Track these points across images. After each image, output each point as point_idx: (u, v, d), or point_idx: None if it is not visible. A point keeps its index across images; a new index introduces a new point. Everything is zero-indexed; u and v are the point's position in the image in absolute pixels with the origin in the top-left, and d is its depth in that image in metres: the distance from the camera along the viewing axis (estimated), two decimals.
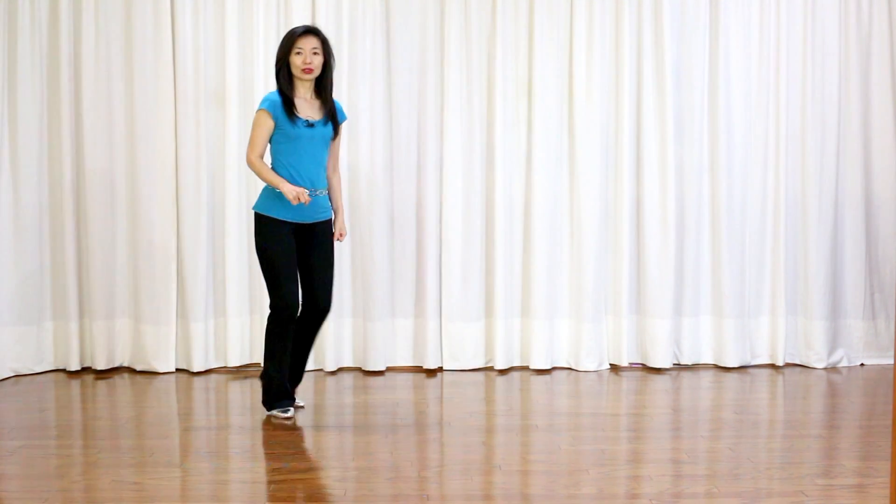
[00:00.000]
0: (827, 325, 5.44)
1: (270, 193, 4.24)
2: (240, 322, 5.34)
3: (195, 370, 5.26)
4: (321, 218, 4.34)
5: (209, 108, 5.28)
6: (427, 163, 5.30)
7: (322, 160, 4.31)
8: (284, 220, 4.23)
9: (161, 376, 5.21)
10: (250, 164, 4.25)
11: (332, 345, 5.29)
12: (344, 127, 4.49)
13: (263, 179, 4.24)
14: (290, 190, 4.13)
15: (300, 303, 4.32)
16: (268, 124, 4.23)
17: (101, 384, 5.08)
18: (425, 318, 5.34)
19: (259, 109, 4.25)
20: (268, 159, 4.34)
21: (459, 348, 5.35)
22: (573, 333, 5.40)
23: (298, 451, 3.89)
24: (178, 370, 5.32)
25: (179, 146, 5.24)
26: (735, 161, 5.41)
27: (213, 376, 5.23)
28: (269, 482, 3.47)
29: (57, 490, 3.38)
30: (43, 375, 5.21)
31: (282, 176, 4.21)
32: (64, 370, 5.28)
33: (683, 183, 5.41)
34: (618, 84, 5.36)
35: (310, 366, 5.31)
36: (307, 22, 5.23)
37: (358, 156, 5.29)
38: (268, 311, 5.25)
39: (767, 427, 4.28)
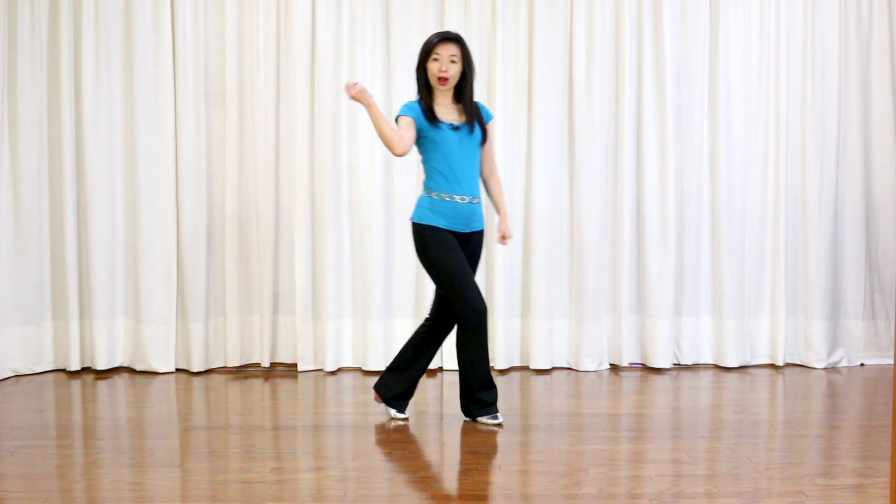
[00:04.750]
0: (827, 325, 5.44)
1: (429, 203, 4.14)
2: (239, 322, 5.34)
3: (195, 370, 5.26)
4: (476, 228, 4.22)
5: (209, 108, 5.28)
6: None
7: (475, 165, 4.20)
8: (446, 228, 4.13)
9: (161, 376, 5.21)
10: (390, 147, 4.04)
11: (331, 345, 5.29)
12: (491, 126, 4.29)
13: (379, 128, 4.02)
14: (351, 92, 3.99)
15: (486, 305, 4.16)
16: (410, 123, 4.10)
17: (101, 384, 5.08)
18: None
19: (397, 116, 4.16)
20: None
21: None
22: (573, 333, 5.40)
23: (298, 451, 3.89)
24: (178, 370, 5.32)
25: (179, 146, 5.24)
26: (735, 161, 5.41)
27: (212, 376, 5.23)
28: (269, 482, 3.47)
29: (57, 490, 3.37)
30: (43, 375, 5.21)
31: (438, 184, 4.12)
32: (64, 370, 5.28)
33: (683, 183, 5.41)
34: (618, 84, 5.36)
35: (309, 366, 5.33)
36: (307, 23, 5.23)
37: (358, 156, 5.29)
38: (268, 310, 5.31)
39: (767, 427, 4.28)
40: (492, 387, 4.25)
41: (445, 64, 4.13)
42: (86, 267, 5.25)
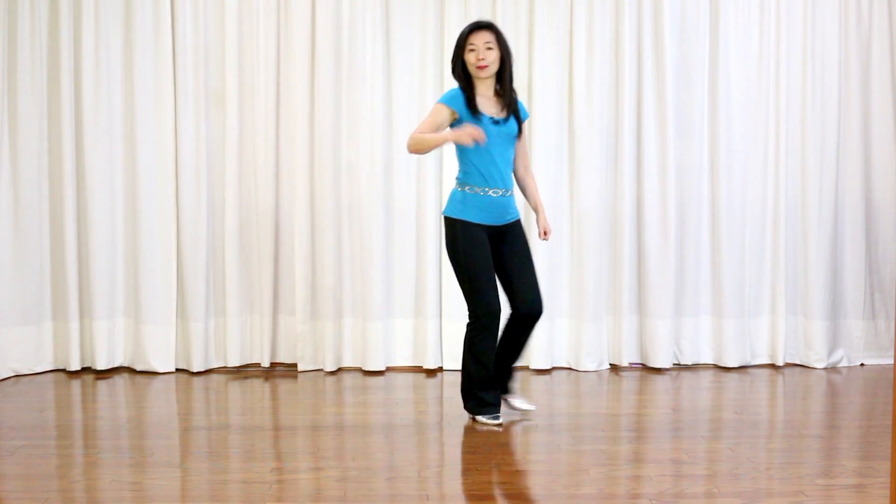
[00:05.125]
0: (827, 325, 5.44)
1: (461, 197, 4.13)
2: (239, 322, 5.34)
3: (195, 370, 5.26)
4: (512, 219, 4.22)
5: (209, 108, 5.28)
6: (427, 163, 5.30)
7: (510, 159, 4.19)
8: (478, 223, 4.12)
9: (161, 376, 5.21)
10: (409, 139, 4.02)
11: (331, 345, 5.29)
12: (525, 125, 4.29)
13: (427, 144, 4.01)
14: (467, 133, 3.90)
15: (501, 308, 4.14)
16: (442, 113, 4.08)
17: (101, 384, 5.08)
18: (425, 317, 5.34)
19: (437, 103, 4.12)
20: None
21: (459, 348, 5.33)
22: (573, 333, 5.40)
23: (298, 451, 3.89)
24: (178, 370, 5.32)
25: (179, 146, 5.24)
26: (735, 161, 5.41)
27: (212, 376, 5.23)
28: (269, 482, 3.47)
29: (57, 490, 3.37)
30: (43, 375, 5.21)
31: (473, 178, 4.10)
32: (64, 370, 5.28)
33: (683, 183, 5.41)
34: (618, 84, 5.36)
35: (309, 366, 5.34)
36: (307, 23, 5.23)
37: (358, 156, 5.29)
38: (268, 310, 5.31)
39: (767, 427, 4.28)
40: (493, 387, 4.25)
41: (482, 52, 4.12)
42: (86, 267, 5.25)
